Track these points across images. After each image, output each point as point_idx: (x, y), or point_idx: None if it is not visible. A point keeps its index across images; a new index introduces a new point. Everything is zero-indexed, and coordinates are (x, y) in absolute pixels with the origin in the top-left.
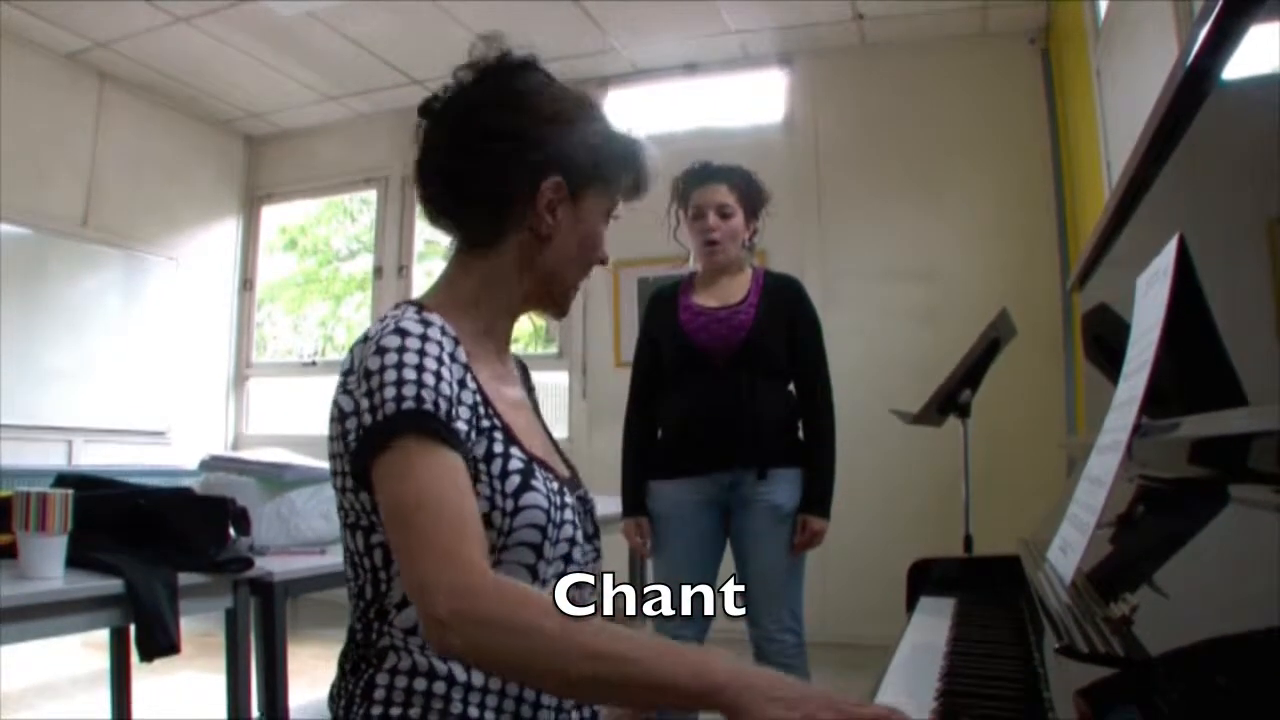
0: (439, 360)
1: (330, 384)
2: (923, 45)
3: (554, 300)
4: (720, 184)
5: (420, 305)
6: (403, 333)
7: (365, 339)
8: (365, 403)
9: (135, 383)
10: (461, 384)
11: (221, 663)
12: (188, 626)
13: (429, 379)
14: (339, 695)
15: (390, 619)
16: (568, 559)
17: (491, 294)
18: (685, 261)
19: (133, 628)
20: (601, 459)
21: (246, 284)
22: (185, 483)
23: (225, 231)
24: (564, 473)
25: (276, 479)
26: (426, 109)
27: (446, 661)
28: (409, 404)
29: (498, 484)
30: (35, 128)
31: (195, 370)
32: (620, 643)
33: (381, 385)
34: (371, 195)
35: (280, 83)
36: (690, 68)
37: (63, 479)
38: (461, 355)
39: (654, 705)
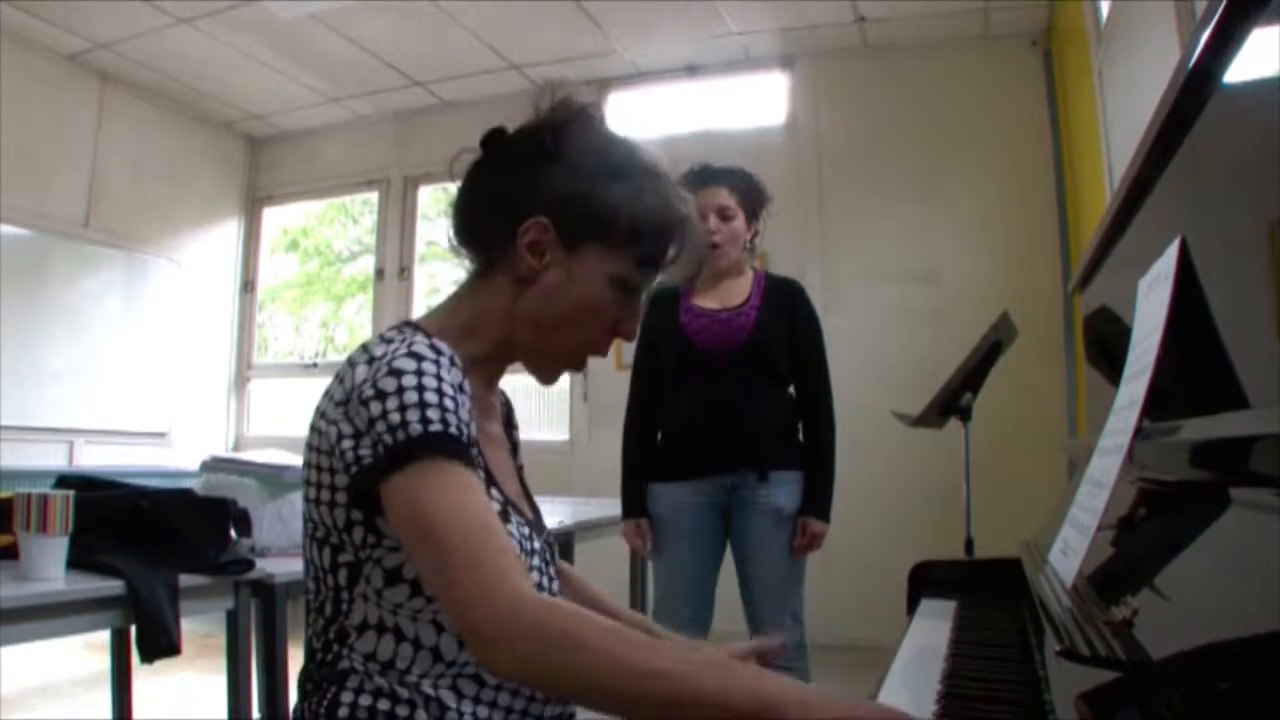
0: (454, 387)
1: None
2: (924, 47)
3: (539, 361)
4: (721, 186)
5: (424, 332)
6: (418, 356)
7: (370, 360)
8: (381, 424)
9: (136, 384)
10: (469, 414)
11: (222, 664)
12: (188, 628)
13: (449, 403)
14: (303, 717)
15: (350, 641)
16: None
17: (484, 327)
18: None
19: (134, 629)
20: (602, 461)
21: (248, 285)
22: (186, 484)
23: (226, 233)
24: (529, 515)
25: (277, 480)
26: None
27: (407, 688)
28: (436, 425)
29: None
30: (36, 129)
31: (196, 372)
32: (673, 661)
33: (402, 407)
34: (373, 197)
35: (281, 84)
36: (692, 70)
37: (64, 480)
38: (468, 388)
39: None
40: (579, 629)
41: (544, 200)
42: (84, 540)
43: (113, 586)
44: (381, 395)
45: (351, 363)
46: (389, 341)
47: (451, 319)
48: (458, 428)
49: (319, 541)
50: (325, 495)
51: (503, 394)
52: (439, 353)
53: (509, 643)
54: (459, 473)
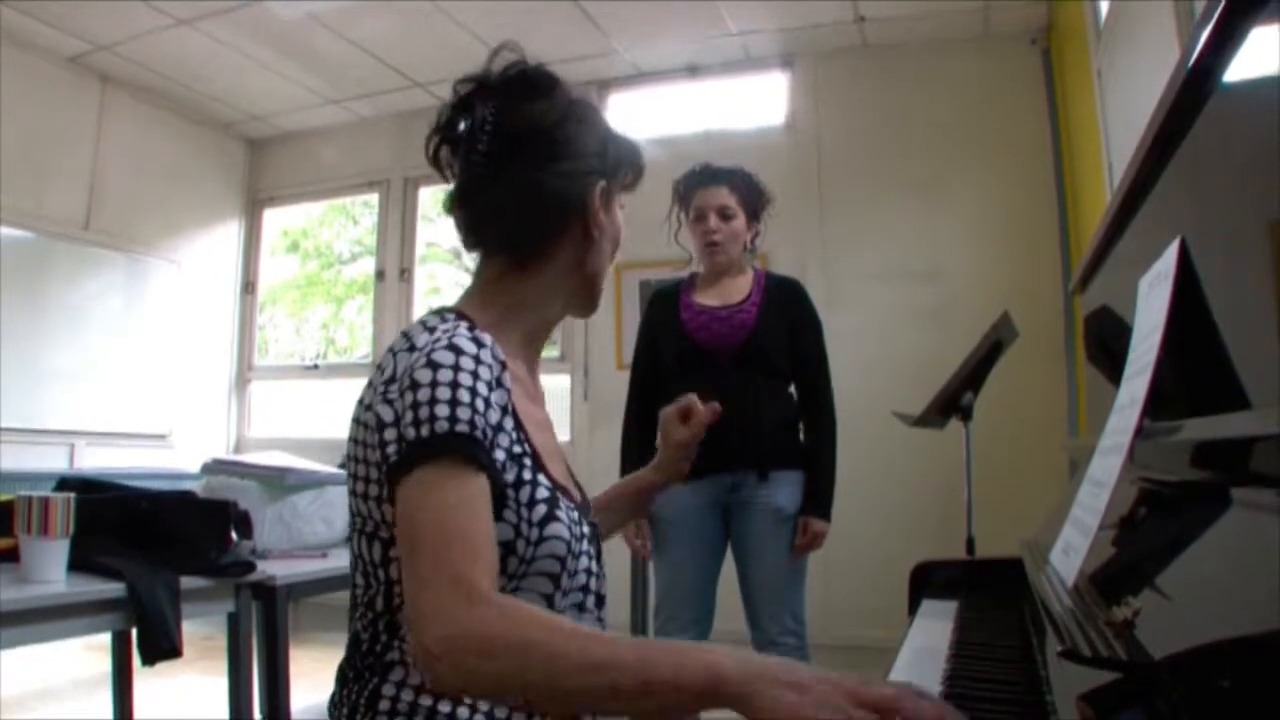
0: (489, 385)
1: (333, 387)
2: (924, 46)
3: (591, 297)
4: (721, 185)
5: (469, 320)
6: (457, 350)
7: (411, 348)
8: (409, 415)
9: (137, 386)
10: (504, 410)
11: (223, 666)
12: (189, 630)
13: (479, 403)
14: (340, 703)
15: (401, 633)
16: (584, 589)
17: (541, 303)
18: (687, 264)
19: (134, 631)
20: (602, 461)
21: (248, 287)
22: (187, 486)
23: (227, 234)
24: (577, 497)
25: (278, 482)
26: (451, 129)
27: None
28: (461, 426)
29: (524, 512)
30: (37, 130)
31: (197, 373)
32: (618, 650)
33: (432, 401)
34: (373, 198)
35: (282, 85)
36: (692, 70)
37: (65, 482)
38: (507, 380)
39: (661, 712)
40: (522, 633)
41: (596, 168)
42: (85, 543)
43: (114, 589)
44: (415, 386)
45: (393, 350)
46: (431, 330)
47: (503, 305)
48: (482, 429)
49: (368, 536)
50: (373, 490)
51: None
52: (480, 345)
53: (448, 657)
54: (465, 478)
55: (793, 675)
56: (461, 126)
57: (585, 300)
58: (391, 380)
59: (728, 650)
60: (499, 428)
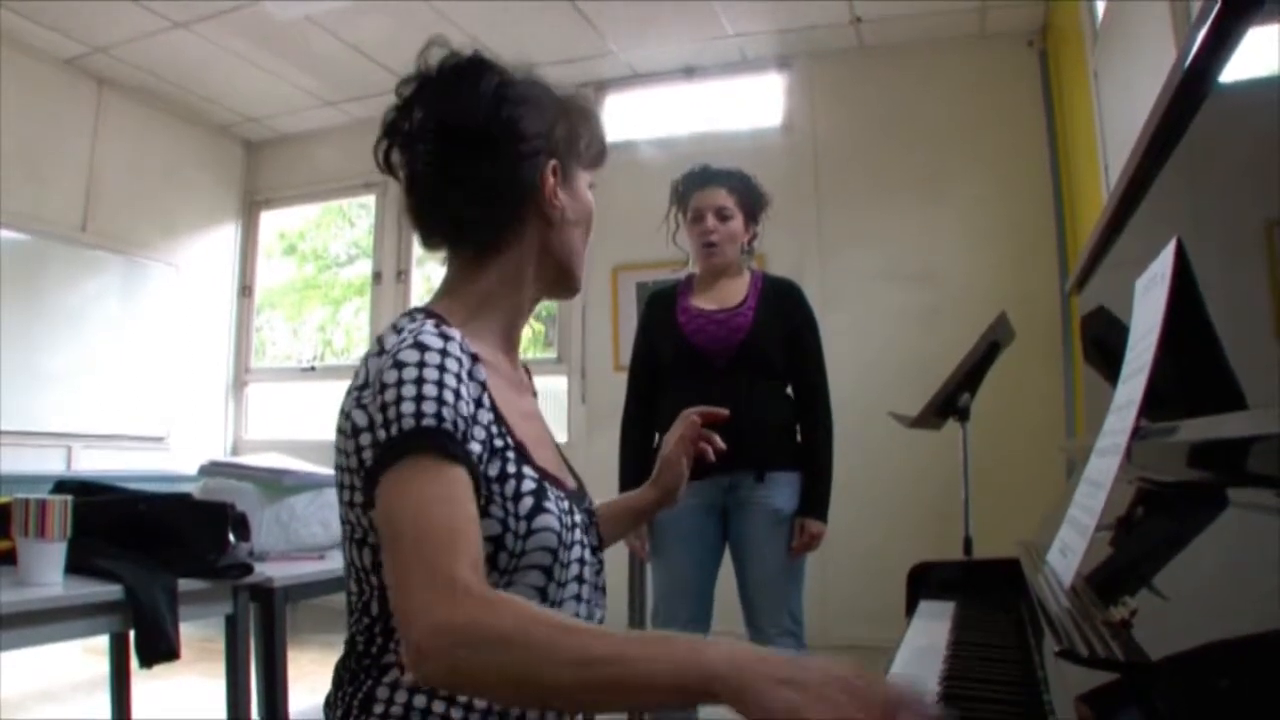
0: (458, 378)
1: (330, 389)
2: (921, 47)
3: (568, 281)
4: (719, 187)
5: (438, 317)
6: (422, 347)
7: (380, 351)
8: (379, 417)
9: (134, 388)
10: (478, 403)
11: (221, 668)
12: (188, 632)
13: (448, 395)
14: (335, 704)
15: (397, 637)
16: (579, 579)
17: (510, 291)
18: (685, 265)
19: (132, 633)
20: (600, 463)
21: (245, 289)
22: (185, 488)
23: (224, 237)
24: (571, 485)
25: (276, 484)
26: (395, 133)
27: None
28: (428, 420)
29: (510, 506)
30: (34, 133)
31: (194, 375)
32: (609, 644)
33: (399, 400)
34: (370, 200)
35: (278, 87)
36: (688, 71)
37: (62, 485)
38: (480, 373)
39: (652, 706)
40: (511, 626)
41: (545, 146)
42: (82, 545)
43: (111, 591)
44: (384, 388)
45: (366, 356)
46: (399, 331)
47: (470, 299)
48: (453, 421)
49: (358, 543)
50: (358, 497)
51: (522, 363)
52: (446, 339)
53: (436, 654)
54: (441, 471)
55: (792, 672)
56: (406, 128)
57: (562, 284)
58: (365, 386)
59: (730, 642)
60: (473, 420)
